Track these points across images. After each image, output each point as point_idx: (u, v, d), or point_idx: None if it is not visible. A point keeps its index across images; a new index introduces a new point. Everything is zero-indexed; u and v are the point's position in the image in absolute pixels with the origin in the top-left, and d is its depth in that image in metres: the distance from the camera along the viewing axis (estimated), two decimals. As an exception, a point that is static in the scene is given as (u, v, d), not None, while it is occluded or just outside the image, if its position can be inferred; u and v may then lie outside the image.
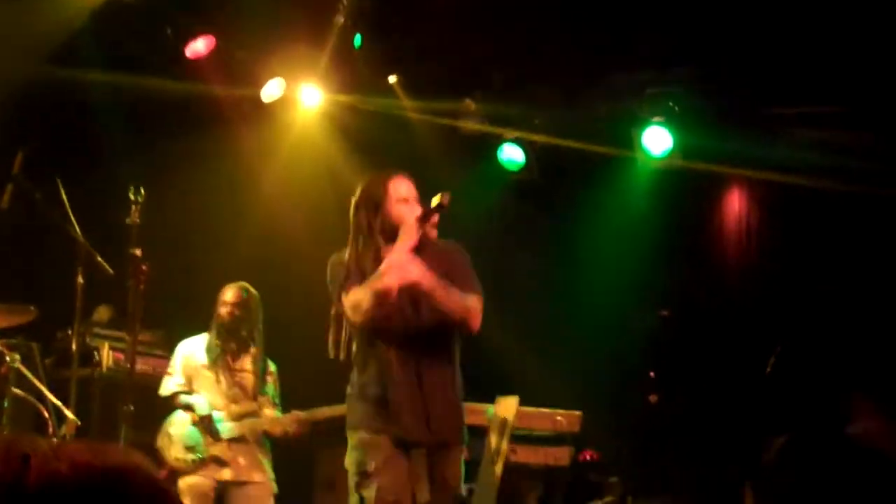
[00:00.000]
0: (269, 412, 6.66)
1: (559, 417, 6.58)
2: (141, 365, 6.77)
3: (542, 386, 7.37)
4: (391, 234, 4.58)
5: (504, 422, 6.18)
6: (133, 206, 5.55)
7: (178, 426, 6.54)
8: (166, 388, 6.64)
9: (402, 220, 4.56)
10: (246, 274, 6.96)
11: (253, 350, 6.73)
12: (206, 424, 6.50)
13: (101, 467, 1.62)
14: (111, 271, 5.99)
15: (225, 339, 6.68)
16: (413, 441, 4.57)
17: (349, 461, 4.60)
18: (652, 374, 7.30)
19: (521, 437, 6.39)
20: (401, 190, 4.64)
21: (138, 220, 5.56)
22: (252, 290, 6.80)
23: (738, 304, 8.42)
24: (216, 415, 6.53)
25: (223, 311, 6.70)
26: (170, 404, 6.63)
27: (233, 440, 6.52)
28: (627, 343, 8.12)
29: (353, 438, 4.61)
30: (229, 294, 6.74)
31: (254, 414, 6.61)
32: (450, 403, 4.76)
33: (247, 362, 6.72)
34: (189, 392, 6.61)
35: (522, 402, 6.32)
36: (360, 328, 4.55)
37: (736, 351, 7.98)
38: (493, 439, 6.18)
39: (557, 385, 7.59)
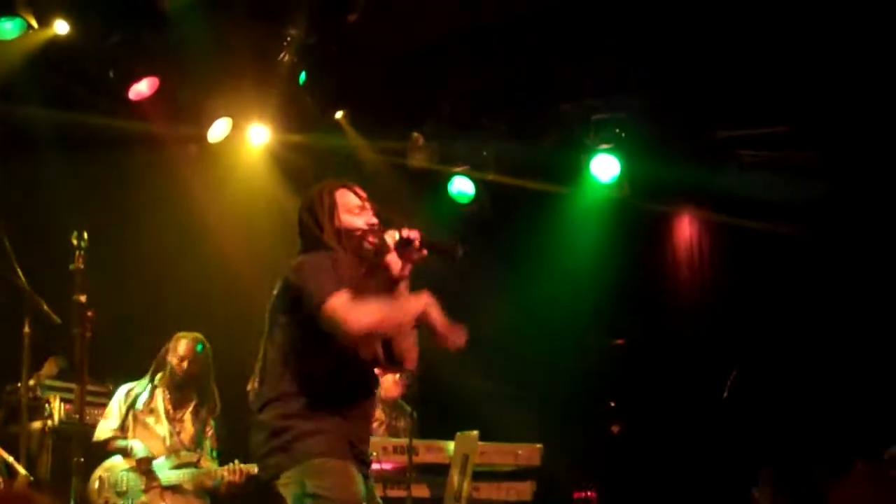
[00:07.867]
0: (207, 463, 6.55)
1: (520, 451, 6.54)
2: (93, 415, 6.62)
3: (501, 420, 7.30)
4: (351, 245, 4.23)
5: (465, 458, 6.14)
6: (77, 252, 5.44)
7: (111, 471, 6.41)
8: (101, 431, 6.52)
9: (356, 230, 4.26)
10: (194, 315, 6.86)
11: (195, 403, 6.65)
12: (144, 468, 6.38)
13: None
14: (58, 320, 5.84)
15: (171, 390, 6.61)
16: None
17: (320, 485, 3.87)
18: (612, 403, 7.26)
19: (482, 474, 6.34)
20: (348, 200, 4.37)
21: (82, 266, 5.43)
22: (206, 343, 6.68)
23: (693, 328, 8.43)
24: (156, 462, 6.43)
25: (174, 362, 6.59)
26: (105, 449, 6.49)
27: (169, 488, 6.41)
28: (584, 373, 8.08)
29: (321, 466, 3.92)
30: (183, 347, 6.62)
31: (194, 465, 6.50)
32: None
33: (188, 414, 6.65)
34: (125, 437, 6.49)
35: (482, 438, 6.29)
36: (353, 340, 3.96)
37: (693, 376, 7.98)
38: (454, 477, 6.13)
39: (516, 419, 7.53)
